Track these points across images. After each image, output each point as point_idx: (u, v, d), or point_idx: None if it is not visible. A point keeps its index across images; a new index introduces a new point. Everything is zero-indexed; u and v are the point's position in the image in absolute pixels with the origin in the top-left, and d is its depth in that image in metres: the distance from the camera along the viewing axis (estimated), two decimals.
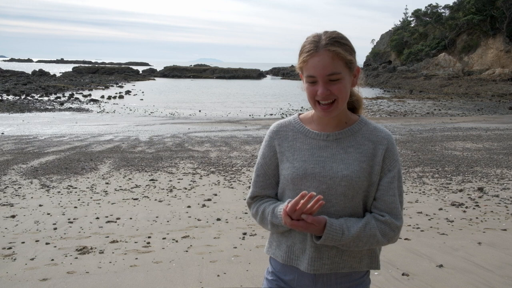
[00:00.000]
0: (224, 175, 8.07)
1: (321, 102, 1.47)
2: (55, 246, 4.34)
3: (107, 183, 7.36)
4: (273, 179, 1.62)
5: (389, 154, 1.52)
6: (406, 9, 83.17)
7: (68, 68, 74.64)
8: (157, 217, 5.44)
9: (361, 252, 1.54)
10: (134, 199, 6.36)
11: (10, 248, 4.28)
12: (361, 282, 1.59)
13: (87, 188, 7.02)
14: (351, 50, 1.49)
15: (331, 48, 1.43)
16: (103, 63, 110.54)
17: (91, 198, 6.40)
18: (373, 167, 1.51)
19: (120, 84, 47.99)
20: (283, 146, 1.59)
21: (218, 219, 5.34)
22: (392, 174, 1.51)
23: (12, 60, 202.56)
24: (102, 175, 8.03)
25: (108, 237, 4.66)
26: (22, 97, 29.61)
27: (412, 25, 69.49)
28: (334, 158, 1.52)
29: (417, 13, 67.99)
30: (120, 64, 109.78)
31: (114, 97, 32.61)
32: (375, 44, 77.69)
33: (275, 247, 1.63)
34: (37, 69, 56.70)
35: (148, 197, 6.47)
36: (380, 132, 1.56)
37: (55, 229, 4.92)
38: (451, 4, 61.29)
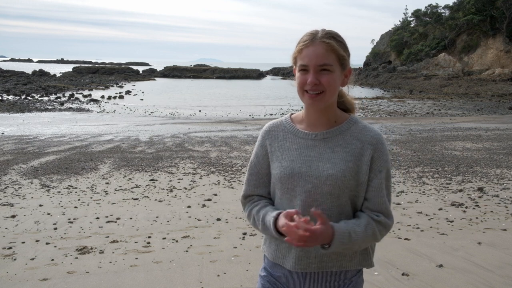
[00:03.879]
0: (224, 175, 8.07)
1: (309, 91, 1.50)
2: (55, 246, 4.35)
3: (107, 183, 7.36)
4: (265, 178, 1.65)
5: (378, 155, 1.52)
6: (406, 9, 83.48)
7: (68, 68, 74.62)
8: (157, 217, 5.45)
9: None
10: (134, 199, 6.37)
11: (10, 248, 4.28)
12: (352, 282, 1.57)
13: (87, 188, 7.02)
14: (345, 49, 1.51)
15: (326, 40, 1.47)
16: (103, 63, 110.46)
17: (91, 198, 6.40)
18: (360, 167, 1.50)
19: (120, 84, 47.97)
20: (273, 146, 1.62)
21: (218, 219, 5.35)
22: (382, 175, 1.52)
23: (12, 60, 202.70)
24: (102, 175, 8.03)
25: (108, 237, 4.66)
26: (22, 97, 29.58)
27: (412, 25, 69.46)
28: (321, 158, 1.52)
29: (417, 13, 67.97)
30: (120, 64, 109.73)
31: (114, 97, 32.60)
32: (375, 44, 77.69)
33: (267, 245, 1.67)
34: (37, 69, 56.71)
35: (148, 197, 6.47)
36: (369, 131, 1.55)
37: (55, 229, 4.92)
38: (451, 4, 61.32)
